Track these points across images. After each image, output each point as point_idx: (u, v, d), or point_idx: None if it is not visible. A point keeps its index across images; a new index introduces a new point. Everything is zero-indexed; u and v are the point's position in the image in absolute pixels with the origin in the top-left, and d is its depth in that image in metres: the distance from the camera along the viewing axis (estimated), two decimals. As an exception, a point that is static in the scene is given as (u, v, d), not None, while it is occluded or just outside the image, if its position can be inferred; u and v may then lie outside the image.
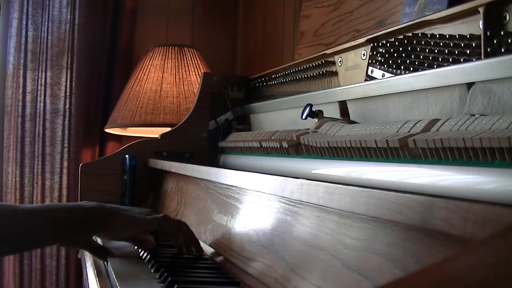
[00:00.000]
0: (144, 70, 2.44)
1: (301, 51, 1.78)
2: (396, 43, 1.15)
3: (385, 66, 1.18)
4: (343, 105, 1.26)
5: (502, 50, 0.87)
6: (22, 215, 1.11)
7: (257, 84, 1.90)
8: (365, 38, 1.26)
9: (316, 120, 1.23)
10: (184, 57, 2.46)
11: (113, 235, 1.25)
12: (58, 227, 1.14)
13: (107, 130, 2.56)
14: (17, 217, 1.11)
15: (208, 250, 1.25)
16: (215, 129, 1.94)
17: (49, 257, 2.62)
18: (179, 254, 1.23)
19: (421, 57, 1.06)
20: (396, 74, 1.13)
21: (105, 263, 1.24)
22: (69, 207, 1.17)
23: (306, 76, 1.54)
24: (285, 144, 1.28)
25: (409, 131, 0.90)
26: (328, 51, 1.43)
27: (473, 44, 0.94)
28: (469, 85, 0.89)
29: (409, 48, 1.09)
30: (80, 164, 1.95)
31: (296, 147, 1.25)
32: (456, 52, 0.98)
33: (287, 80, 1.66)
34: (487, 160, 0.72)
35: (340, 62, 1.40)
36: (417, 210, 0.57)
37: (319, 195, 0.78)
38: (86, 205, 1.17)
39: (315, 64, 1.49)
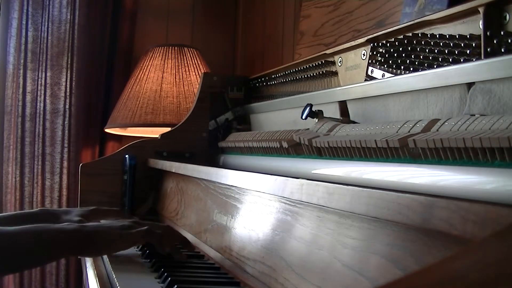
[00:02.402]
0: (144, 70, 2.44)
1: (301, 51, 1.78)
2: (396, 43, 1.15)
3: (385, 66, 1.18)
4: (343, 105, 1.26)
5: (502, 50, 0.87)
6: (3, 239, 1.09)
7: (257, 84, 1.90)
8: (365, 38, 1.26)
9: (316, 120, 1.23)
10: (184, 57, 2.46)
11: (98, 254, 1.26)
12: (40, 252, 1.12)
13: (107, 130, 2.56)
14: None
15: (208, 250, 1.25)
16: (215, 129, 1.94)
17: (49, 257, 2.62)
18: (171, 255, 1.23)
19: (421, 57, 1.06)
20: (396, 74, 1.13)
21: (105, 262, 1.24)
22: (50, 231, 1.14)
23: (306, 76, 1.54)
24: (285, 144, 1.28)
25: (409, 131, 0.90)
26: (328, 51, 1.43)
27: (473, 44, 0.94)
28: (469, 85, 0.89)
29: (409, 48, 1.09)
30: (80, 164, 1.95)
31: (296, 147, 1.25)
32: (456, 52, 0.98)
33: (287, 80, 1.66)
34: (487, 160, 0.72)
35: (340, 62, 1.40)
36: (417, 210, 0.57)
37: (319, 195, 0.78)
38: (68, 227, 1.15)
39: (315, 64, 1.49)
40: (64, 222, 1.24)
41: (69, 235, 1.13)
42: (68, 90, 2.64)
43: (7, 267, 1.13)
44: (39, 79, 2.62)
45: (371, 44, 1.25)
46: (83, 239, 1.14)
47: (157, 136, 1.99)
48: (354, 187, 0.71)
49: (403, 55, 1.11)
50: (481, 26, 0.93)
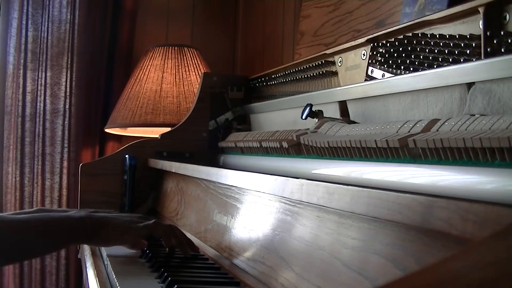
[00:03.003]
0: (144, 70, 2.44)
1: (301, 51, 1.78)
2: (396, 43, 1.15)
3: (385, 66, 1.18)
4: (343, 105, 1.26)
5: (502, 50, 0.87)
6: (11, 226, 1.09)
7: (257, 84, 1.90)
8: (365, 38, 1.26)
9: (316, 120, 1.23)
10: (184, 57, 2.46)
11: (105, 244, 1.26)
12: (49, 239, 1.13)
13: (107, 130, 2.56)
14: (6, 227, 1.09)
15: (208, 250, 1.25)
16: (215, 129, 1.94)
17: (49, 257, 2.62)
18: (172, 254, 1.24)
19: (421, 57, 1.06)
20: (396, 74, 1.13)
21: (105, 263, 1.24)
22: (59, 218, 1.15)
23: (306, 76, 1.54)
24: (285, 144, 1.28)
25: (409, 131, 0.90)
26: (328, 51, 1.43)
27: (473, 44, 0.94)
28: (469, 85, 0.89)
29: (409, 48, 1.09)
30: (80, 164, 1.95)
31: (296, 147, 1.25)
32: (456, 52, 0.98)
33: (287, 80, 1.66)
34: (487, 160, 0.72)
35: (340, 62, 1.40)
36: (417, 210, 0.57)
37: (319, 195, 0.78)
38: (76, 215, 1.16)
39: (315, 64, 1.49)
40: None
41: (77, 222, 1.14)
42: (68, 90, 2.64)
43: (15, 254, 1.14)
44: (39, 79, 2.62)
45: (371, 44, 1.24)
46: (92, 226, 1.15)
47: (157, 136, 1.99)
48: (354, 187, 0.71)
49: (403, 55, 1.11)
50: (481, 26, 0.93)
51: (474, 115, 0.82)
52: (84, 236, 1.18)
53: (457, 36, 0.98)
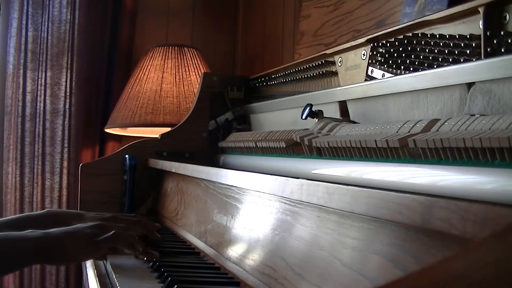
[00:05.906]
0: (144, 70, 2.44)
1: (301, 51, 1.78)
2: (396, 43, 1.15)
3: (385, 66, 1.18)
4: (343, 105, 1.26)
5: (502, 50, 0.87)
6: None
7: (257, 84, 1.90)
8: (365, 38, 1.26)
9: (316, 120, 1.23)
10: (184, 57, 2.46)
11: (64, 263, 1.21)
12: (5, 261, 1.07)
13: (107, 130, 2.56)
14: None
15: (208, 250, 1.25)
16: (215, 129, 1.94)
17: (49, 257, 2.62)
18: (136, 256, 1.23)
19: (421, 57, 1.06)
20: (396, 74, 1.13)
21: (105, 261, 1.24)
22: (13, 239, 1.08)
23: (306, 76, 1.54)
24: (284, 144, 1.28)
25: (409, 131, 0.90)
26: (328, 51, 1.43)
27: (473, 44, 0.94)
28: (469, 85, 0.89)
29: (409, 48, 1.09)
30: (80, 164, 1.95)
31: (296, 147, 1.25)
32: (456, 52, 0.98)
33: (287, 80, 1.66)
34: (487, 160, 0.72)
35: (340, 62, 1.40)
36: (417, 210, 0.57)
37: (319, 195, 0.78)
38: (31, 235, 1.09)
39: (315, 64, 1.49)
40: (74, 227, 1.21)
41: (32, 243, 1.08)
42: (68, 90, 2.64)
43: None
44: (39, 79, 2.62)
45: (371, 44, 1.25)
46: (48, 247, 1.09)
47: (157, 136, 1.99)
48: (354, 187, 0.71)
49: (403, 55, 1.11)
50: (481, 26, 0.93)
51: (474, 115, 0.82)
52: (40, 258, 1.11)
53: (457, 36, 0.98)
